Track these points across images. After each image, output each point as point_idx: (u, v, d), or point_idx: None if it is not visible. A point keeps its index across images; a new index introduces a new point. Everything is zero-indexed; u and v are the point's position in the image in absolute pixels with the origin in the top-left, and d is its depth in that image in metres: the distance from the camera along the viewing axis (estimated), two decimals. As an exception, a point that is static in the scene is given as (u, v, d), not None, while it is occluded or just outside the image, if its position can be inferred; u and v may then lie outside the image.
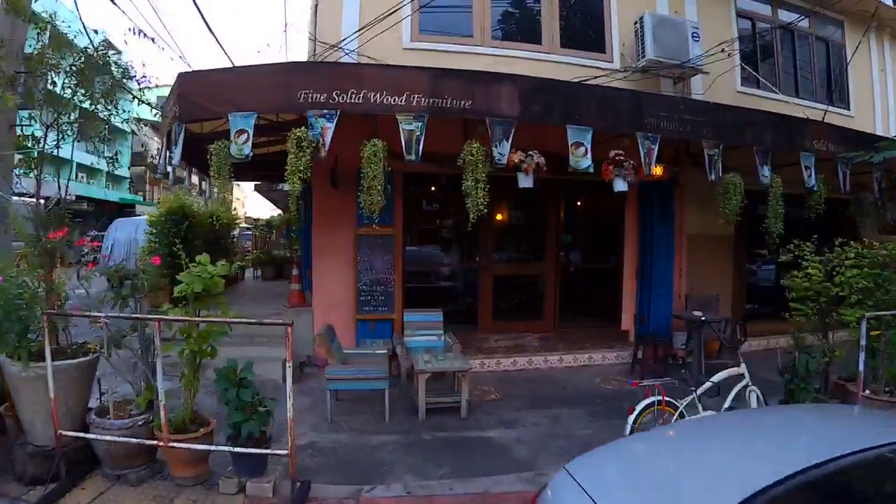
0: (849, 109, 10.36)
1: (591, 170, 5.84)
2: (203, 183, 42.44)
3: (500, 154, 5.50)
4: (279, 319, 7.63)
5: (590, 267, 9.42)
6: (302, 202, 7.87)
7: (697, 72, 8.03)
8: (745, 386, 5.36)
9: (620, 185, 6.10)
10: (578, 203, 9.22)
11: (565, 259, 8.70)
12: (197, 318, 4.23)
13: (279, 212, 16.46)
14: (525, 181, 5.81)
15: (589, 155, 5.77)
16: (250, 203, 48.49)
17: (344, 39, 7.27)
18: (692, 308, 8.20)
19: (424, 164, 7.38)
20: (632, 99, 6.31)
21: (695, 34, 8.02)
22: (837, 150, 7.30)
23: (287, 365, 3.91)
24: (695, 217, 8.64)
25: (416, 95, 5.38)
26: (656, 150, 6.07)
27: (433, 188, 8.64)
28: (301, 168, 5.13)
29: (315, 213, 7.43)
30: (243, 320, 4.91)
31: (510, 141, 5.52)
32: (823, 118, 8.24)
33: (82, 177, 26.22)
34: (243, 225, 19.82)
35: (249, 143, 5.34)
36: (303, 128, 5.22)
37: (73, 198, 11.73)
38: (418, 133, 5.44)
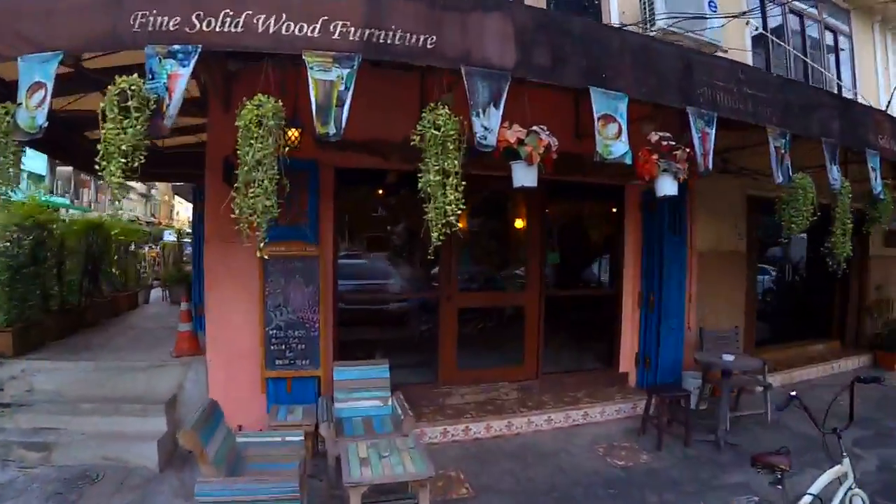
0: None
1: (629, 160, 3.69)
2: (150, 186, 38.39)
3: (485, 129, 3.20)
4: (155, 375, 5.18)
5: (579, 294, 7.29)
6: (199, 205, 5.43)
7: (716, 48, 6.11)
8: (849, 489, 3.34)
9: (668, 187, 3.92)
10: (563, 211, 7.09)
11: (552, 284, 6.57)
12: None
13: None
14: (524, 175, 3.51)
15: (624, 136, 3.62)
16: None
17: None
18: (709, 346, 6.19)
19: (362, 156, 5.10)
20: (680, 58, 4.14)
21: (711, 1, 6.10)
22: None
23: None
24: (706, 230, 6.64)
25: (341, 23, 3.05)
26: (713, 136, 4.00)
27: (379, 191, 6.34)
28: (124, 146, 2.75)
29: (207, 224, 5.01)
30: None
31: (501, 108, 3.26)
32: (887, 107, 6.40)
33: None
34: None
35: (46, 105, 2.93)
36: (133, 76, 2.86)
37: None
38: (342, 87, 3.10)
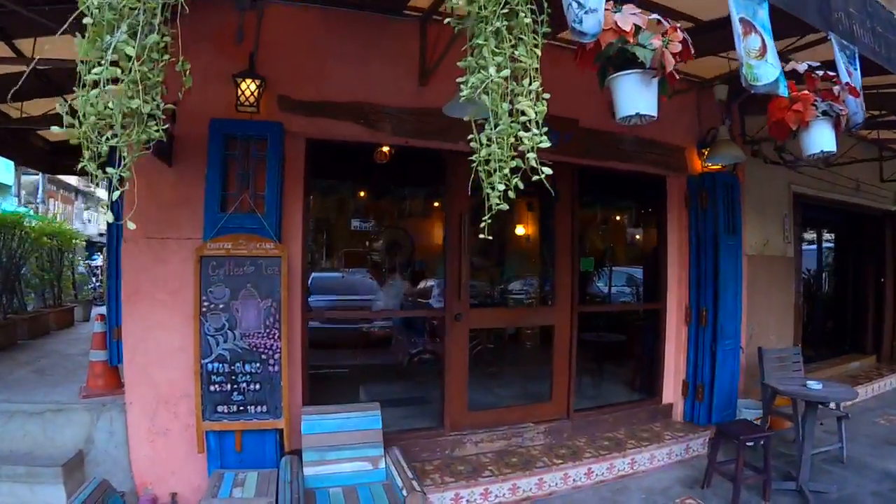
0: None
1: (783, 89, 2.20)
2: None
3: (580, 6, 1.62)
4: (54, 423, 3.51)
5: (609, 310, 5.81)
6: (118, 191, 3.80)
7: None
8: None
9: (827, 139, 2.46)
10: (592, 207, 5.59)
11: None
12: None
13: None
14: (642, 95, 1.91)
15: (772, 55, 2.12)
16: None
17: None
18: (769, 369, 4.78)
19: (343, 123, 3.60)
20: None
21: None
22: None
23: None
24: (754, 232, 5.23)
25: None
26: (859, 77, 2.58)
27: (367, 173, 4.76)
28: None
29: (127, 212, 3.39)
30: None
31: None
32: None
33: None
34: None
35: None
36: None
37: None
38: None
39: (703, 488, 4.02)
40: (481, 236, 1.79)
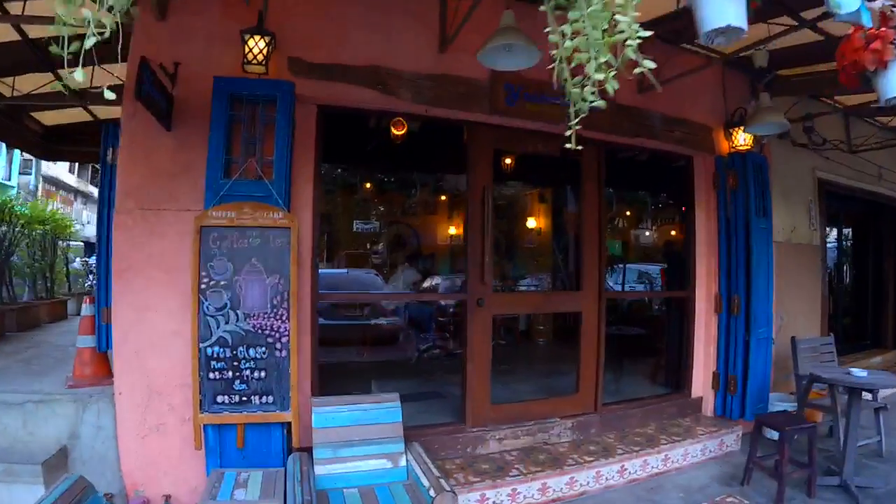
0: None
1: (864, 19, 1.85)
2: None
3: None
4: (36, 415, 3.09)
5: (637, 297, 5.41)
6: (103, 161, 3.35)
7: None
8: None
9: None
10: (618, 189, 5.18)
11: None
12: None
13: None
14: (733, 3, 1.59)
15: None
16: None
17: None
18: (805, 358, 4.41)
19: (358, 89, 3.22)
20: None
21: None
22: None
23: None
24: (781, 216, 4.88)
25: None
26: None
27: (385, 145, 4.37)
28: None
29: (120, 181, 2.97)
30: None
31: None
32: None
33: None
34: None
35: None
36: None
37: None
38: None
39: (742, 485, 3.64)
40: (567, 145, 1.46)
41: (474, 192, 3.44)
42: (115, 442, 2.96)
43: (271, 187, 2.72)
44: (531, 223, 6.11)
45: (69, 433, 3.07)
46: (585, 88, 1.33)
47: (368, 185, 6.50)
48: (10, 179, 16.22)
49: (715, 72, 4.46)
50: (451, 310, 5.62)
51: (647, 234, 6.89)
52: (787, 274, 4.92)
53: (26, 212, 5.52)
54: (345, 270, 6.80)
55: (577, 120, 1.41)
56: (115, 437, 2.95)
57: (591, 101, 1.35)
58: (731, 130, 4.47)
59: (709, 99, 4.48)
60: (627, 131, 3.94)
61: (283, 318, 2.67)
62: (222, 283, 2.65)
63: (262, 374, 2.65)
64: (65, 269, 6.72)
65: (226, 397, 2.63)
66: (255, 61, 2.88)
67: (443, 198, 6.95)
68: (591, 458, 3.48)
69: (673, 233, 5.63)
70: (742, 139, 4.40)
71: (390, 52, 3.27)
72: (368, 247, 7.32)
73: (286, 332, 2.66)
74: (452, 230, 6.84)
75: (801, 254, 5.12)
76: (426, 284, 6.34)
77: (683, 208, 4.57)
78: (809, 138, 4.65)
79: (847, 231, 7.20)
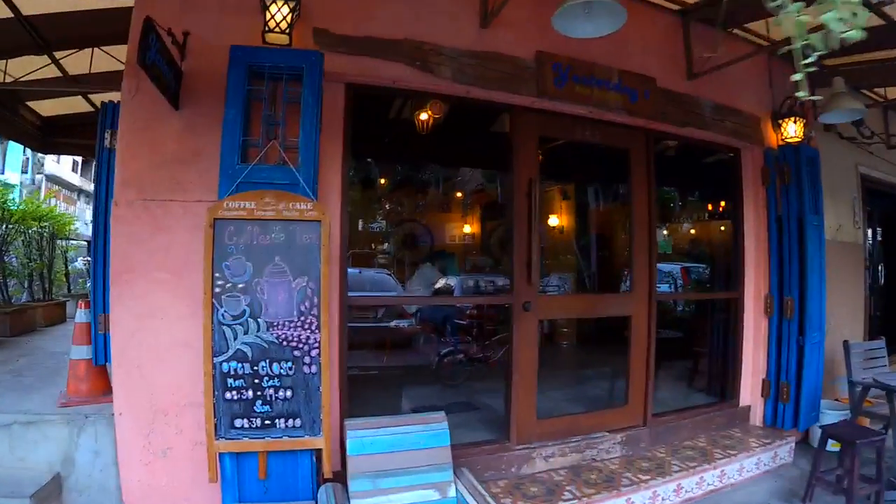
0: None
1: None
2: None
3: None
4: (24, 438, 2.60)
5: (684, 298, 4.95)
6: (100, 149, 2.86)
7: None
8: None
9: None
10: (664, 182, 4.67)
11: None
12: None
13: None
14: None
15: None
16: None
17: None
18: (858, 363, 3.96)
19: (392, 65, 2.76)
20: None
21: None
22: None
23: None
24: (829, 212, 4.39)
25: None
26: None
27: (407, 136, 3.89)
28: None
29: (119, 170, 2.48)
30: None
31: None
32: None
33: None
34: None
35: None
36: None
37: None
38: None
39: (804, 502, 3.20)
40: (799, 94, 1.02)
41: (519, 185, 2.96)
42: (116, 469, 2.46)
43: (297, 174, 2.23)
44: (552, 221, 5.66)
45: (63, 458, 2.58)
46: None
47: (383, 181, 6.02)
48: (3, 173, 15.31)
49: (760, 60, 4.03)
50: (469, 311, 5.18)
51: (666, 232, 6.41)
52: (833, 274, 4.47)
53: (21, 207, 4.99)
54: (357, 270, 6.34)
55: (806, 61, 0.95)
56: (116, 463, 2.46)
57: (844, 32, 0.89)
58: (779, 121, 4.03)
59: (755, 88, 4.04)
60: (676, 120, 3.48)
61: (313, 327, 2.18)
62: (240, 286, 2.16)
63: (288, 393, 2.16)
64: (64, 268, 6.16)
65: (245, 421, 2.14)
66: (277, 29, 2.39)
67: (458, 195, 6.50)
68: (647, 477, 3.02)
69: (705, 230, 5.22)
70: (792, 131, 3.95)
71: (427, 26, 2.79)
72: (374, 246, 6.85)
73: (316, 344, 2.18)
74: (467, 228, 6.38)
75: (847, 253, 4.68)
76: (440, 284, 5.88)
77: (723, 204, 4.13)
78: (859, 131, 4.22)
79: (878, 229, 6.76)
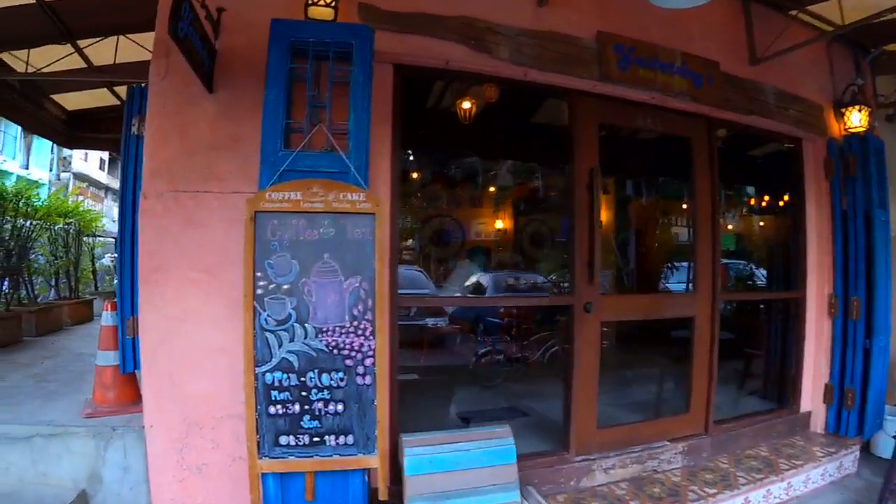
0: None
1: None
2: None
3: None
4: (47, 451, 2.35)
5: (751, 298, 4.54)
6: (126, 139, 2.60)
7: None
8: None
9: None
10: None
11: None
12: None
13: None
14: None
15: None
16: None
17: None
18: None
19: (445, 44, 2.45)
20: None
21: None
22: None
23: None
24: (893, 207, 4.11)
25: None
26: None
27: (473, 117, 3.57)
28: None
29: (149, 156, 2.22)
30: None
31: None
32: None
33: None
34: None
35: None
36: None
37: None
38: None
39: (883, 522, 2.87)
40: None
41: (580, 176, 2.65)
42: (147, 486, 2.20)
43: (348, 161, 1.94)
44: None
45: (89, 474, 2.31)
46: None
47: (415, 175, 5.68)
48: (27, 168, 15.16)
49: (819, 46, 3.67)
50: (502, 309, 4.88)
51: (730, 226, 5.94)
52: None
53: (45, 203, 4.76)
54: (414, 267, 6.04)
55: None
56: (147, 480, 2.20)
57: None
58: (842, 110, 3.67)
59: (816, 76, 3.67)
60: (740, 107, 3.14)
61: (367, 332, 1.89)
62: (285, 286, 1.88)
63: (339, 406, 1.88)
64: (91, 265, 5.93)
65: (291, 438, 1.86)
66: (322, 2, 2.10)
67: (492, 189, 6.17)
68: (713, 490, 2.70)
69: (751, 225, 4.84)
70: (857, 120, 3.58)
71: (481, 2, 2.48)
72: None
73: (370, 352, 1.89)
74: (499, 224, 6.06)
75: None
76: (472, 280, 5.58)
77: (785, 198, 3.77)
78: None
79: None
